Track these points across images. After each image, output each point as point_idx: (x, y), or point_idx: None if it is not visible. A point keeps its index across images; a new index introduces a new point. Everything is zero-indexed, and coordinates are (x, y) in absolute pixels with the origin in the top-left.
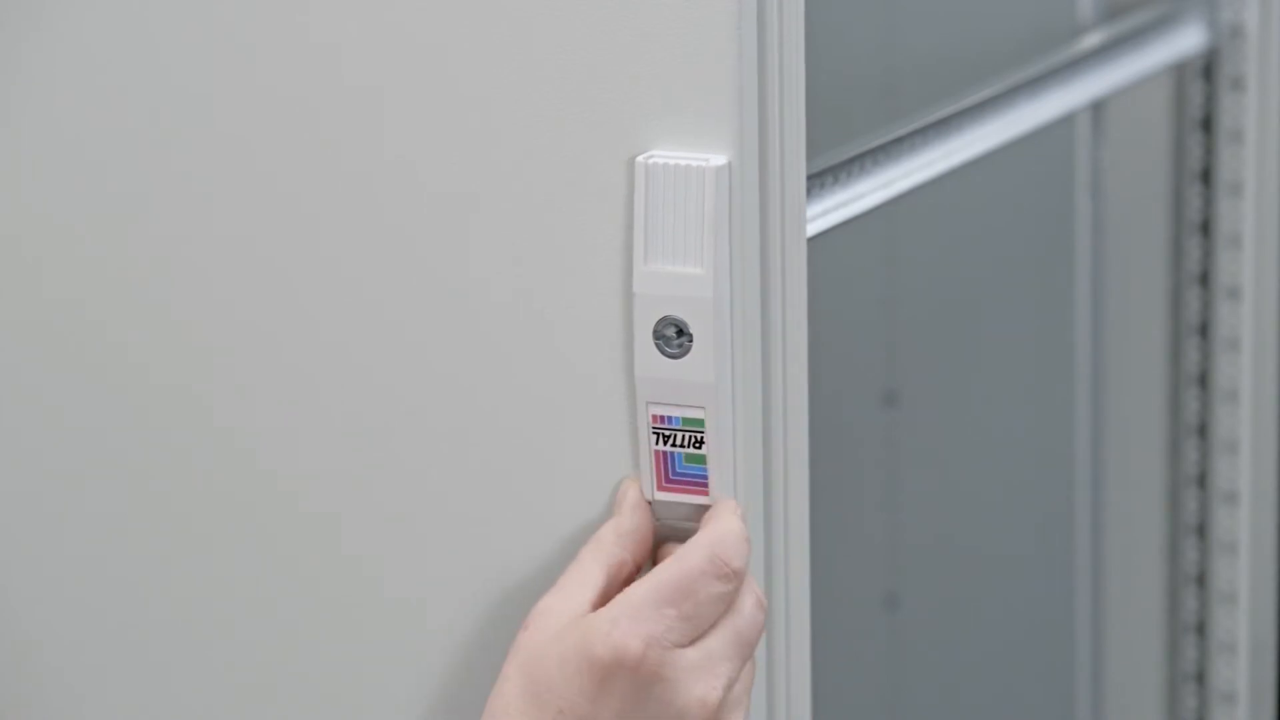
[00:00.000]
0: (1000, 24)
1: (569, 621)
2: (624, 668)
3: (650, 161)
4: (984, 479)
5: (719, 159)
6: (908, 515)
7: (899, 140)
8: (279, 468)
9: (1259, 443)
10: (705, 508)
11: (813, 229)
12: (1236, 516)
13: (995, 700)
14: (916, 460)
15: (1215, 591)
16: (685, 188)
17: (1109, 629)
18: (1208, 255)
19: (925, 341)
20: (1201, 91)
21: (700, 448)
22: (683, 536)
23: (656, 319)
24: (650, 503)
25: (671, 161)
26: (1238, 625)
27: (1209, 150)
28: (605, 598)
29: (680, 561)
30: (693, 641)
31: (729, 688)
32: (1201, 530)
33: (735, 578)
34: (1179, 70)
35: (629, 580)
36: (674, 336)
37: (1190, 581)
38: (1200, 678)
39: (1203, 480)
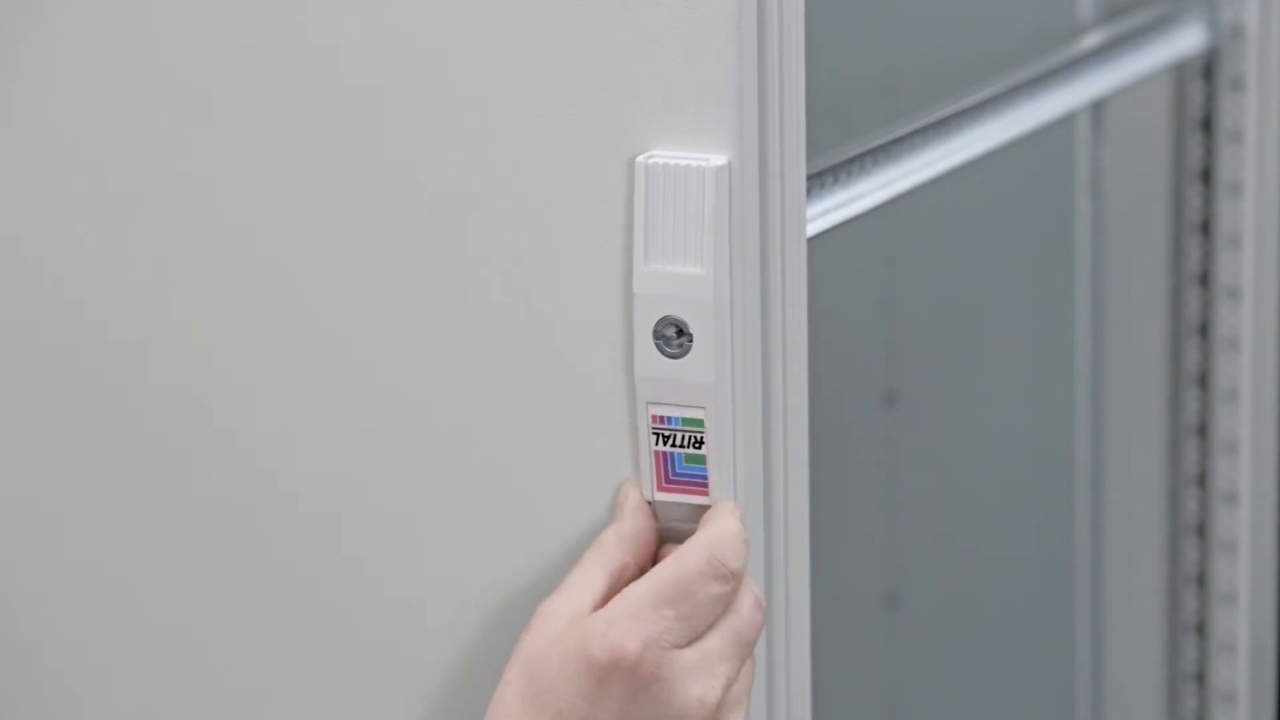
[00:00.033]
0: (1000, 24)
1: (568, 623)
2: (622, 668)
3: (650, 161)
4: (984, 479)
5: (719, 159)
6: (908, 515)
7: (899, 140)
8: (279, 468)
9: (1259, 443)
10: (705, 508)
11: (813, 229)
12: (1236, 516)
13: (995, 700)
14: (916, 460)
15: (1215, 591)
16: (685, 188)
17: (1109, 629)
18: (1208, 255)
19: (925, 341)
20: (1201, 91)
21: (700, 448)
22: (682, 538)
23: (656, 319)
24: (650, 503)
25: (671, 161)
26: (1238, 625)
27: (1209, 150)
28: (607, 601)
29: (678, 562)
30: (691, 642)
31: (728, 688)
32: (1201, 530)
33: (733, 578)
34: (1179, 70)
35: (631, 583)
36: (674, 336)
37: (1190, 581)
38: (1200, 678)
39: (1203, 480)
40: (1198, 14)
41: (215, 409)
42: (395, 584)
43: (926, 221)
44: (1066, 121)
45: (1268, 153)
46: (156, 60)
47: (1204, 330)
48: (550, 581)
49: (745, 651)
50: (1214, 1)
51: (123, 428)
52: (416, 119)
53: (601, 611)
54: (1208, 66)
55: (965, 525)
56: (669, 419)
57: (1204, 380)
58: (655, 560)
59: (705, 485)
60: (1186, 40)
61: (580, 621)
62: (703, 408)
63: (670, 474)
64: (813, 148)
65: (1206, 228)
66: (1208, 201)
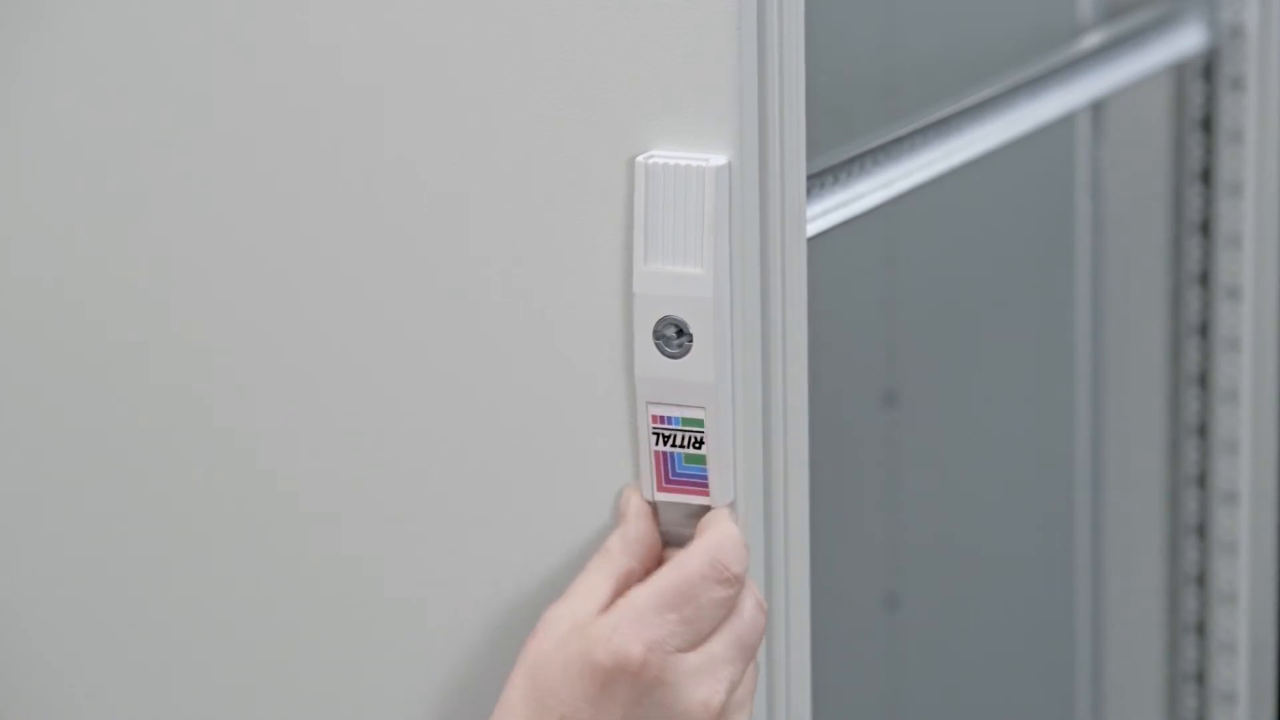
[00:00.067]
0: (1000, 24)
1: (572, 628)
2: (626, 673)
3: (650, 161)
4: (984, 479)
5: (719, 159)
6: (908, 515)
7: (899, 140)
8: (279, 468)
9: (1259, 443)
10: (705, 509)
11: (813, 229)
12: (1236, 516)
13: (995, 700)
14: (916, 460)
15: (1215, 591)
16: (685, 188)
17: (1109, 629)
18: (1208, 255)
19: (925, 341)
20: (1201, 91)
21: (700, 448)
22: (682, 541)
23: (656, 319)
24: (651, 504)
25: (671, 161)
26: (1238, 625)
27: (1209, 150)
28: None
29: (681, 567)
30: (694, 646)
31: (731, 691)
32: (1201, 530)
33: (736, 582)
34: (1179, 70)
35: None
36: (674, 336)
37: (1190, 581)
38: (1200, 678)
39: (1203, 480)
40: (1198, 14)
41: (215, 409)
42: (395, 584)
43: (926, 221)
44: (1066, 121)
45: (1268, 153)
46: (156, 60)
47: (1204, 330)
48: (550, 581)
49: (748, 654)
50: (1214, 1)
51: (123, 428)
52: (416, 119)
53: (605, 616)
54: (1208, 66)
55: (965, 525)
56: (669, 419)
57: (1204, 380)
58: (660, 565)
59: (705, 485)
60: (1186, 40)
61: (584, 626)
62: (703, 408)
63: (670, 474)
64: (813, 148)
65: (1206, 228)
66: (1208, 201)
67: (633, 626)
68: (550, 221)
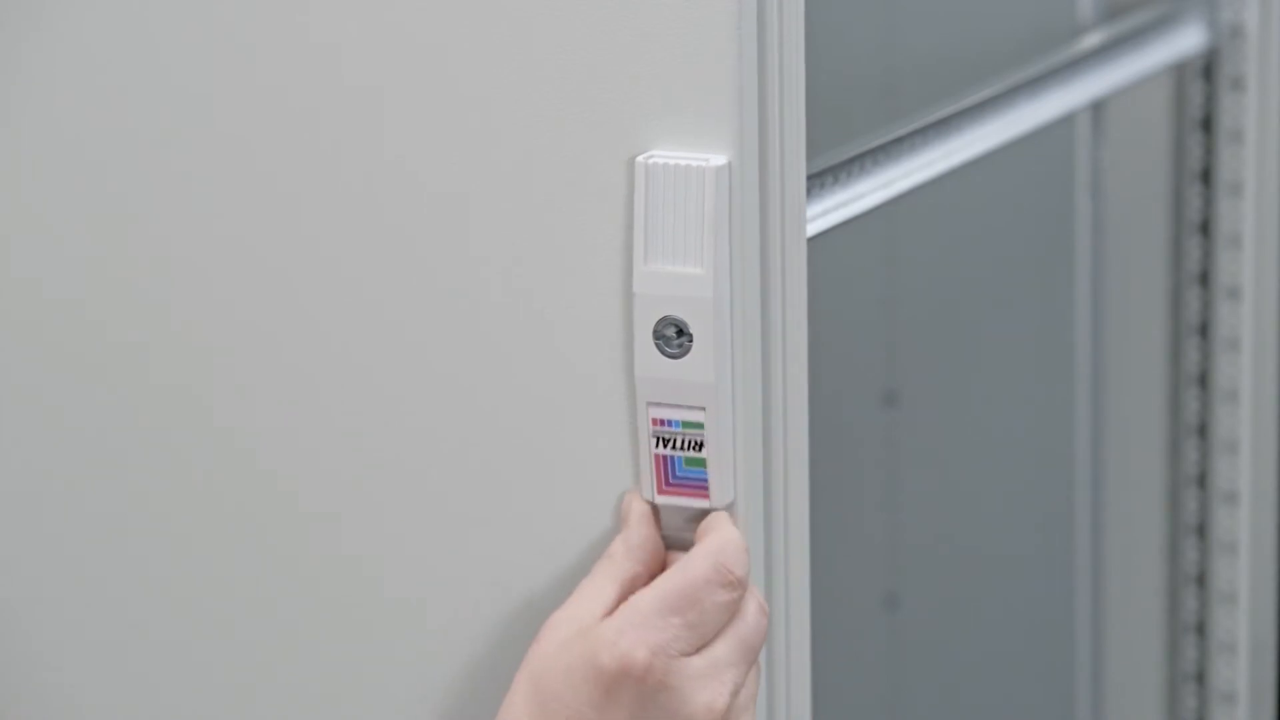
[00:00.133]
0: (1000, 24)
1: (575, 632)
2: (630, 677)
3: (650, 161)
4: (984, 479)
5: (719, 159)
6: (908, 515)
7: (899, 140)
8: (279, 468)
9: (1259, 443)
10: (705, 511)
11: (813, 229)
12: (1236, 516)
13: (995, 700)
14: (916, 460)
15: (1215, 591)
16: (685, 188)
17: (1109, 629)
18: (1208, 255)
19: (925, 341)
20: (1201, 91)
21: (700, 451)
22: (682, 544)
23: (656, 319)
24: (652, 507)
25: (671, 161)
26: (1238, 625)
27: (1209, 150)
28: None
29: (684, 571)
30: (698, 650)
31: (735, 694)
32: (1201, 530)
33: (739, 585)
34: (1179, 70)
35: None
36: (674, 336)
37: (1190, 581)
38: (1200, 678)
39: (1203, 480)
40: (1198, 14)
41: (215, 409)
42: (395, 584)
43: (926, 221)
44: (1066, 121)
45: (1268, 153)
46: (156, 60)
47: (1204, 330)
48: (550, 581)
49: (751, 657)
50: (1214, 1)
51: (122, 428)
52: (416, 119)
53: (609, 620)
54: (1208, 66)
55: (965, 525)
56: (669, 422)
57: (1204, 380)
58: (663, 568)
59: (705, 488)
60: (1186, 40)
61: (588, 631)
62: (703, 409)
63: (670, 477)
64: (813, 148)
65: (1206, 228)
66: (1208, 201)
67: (637, 631)
68: (550, 221)
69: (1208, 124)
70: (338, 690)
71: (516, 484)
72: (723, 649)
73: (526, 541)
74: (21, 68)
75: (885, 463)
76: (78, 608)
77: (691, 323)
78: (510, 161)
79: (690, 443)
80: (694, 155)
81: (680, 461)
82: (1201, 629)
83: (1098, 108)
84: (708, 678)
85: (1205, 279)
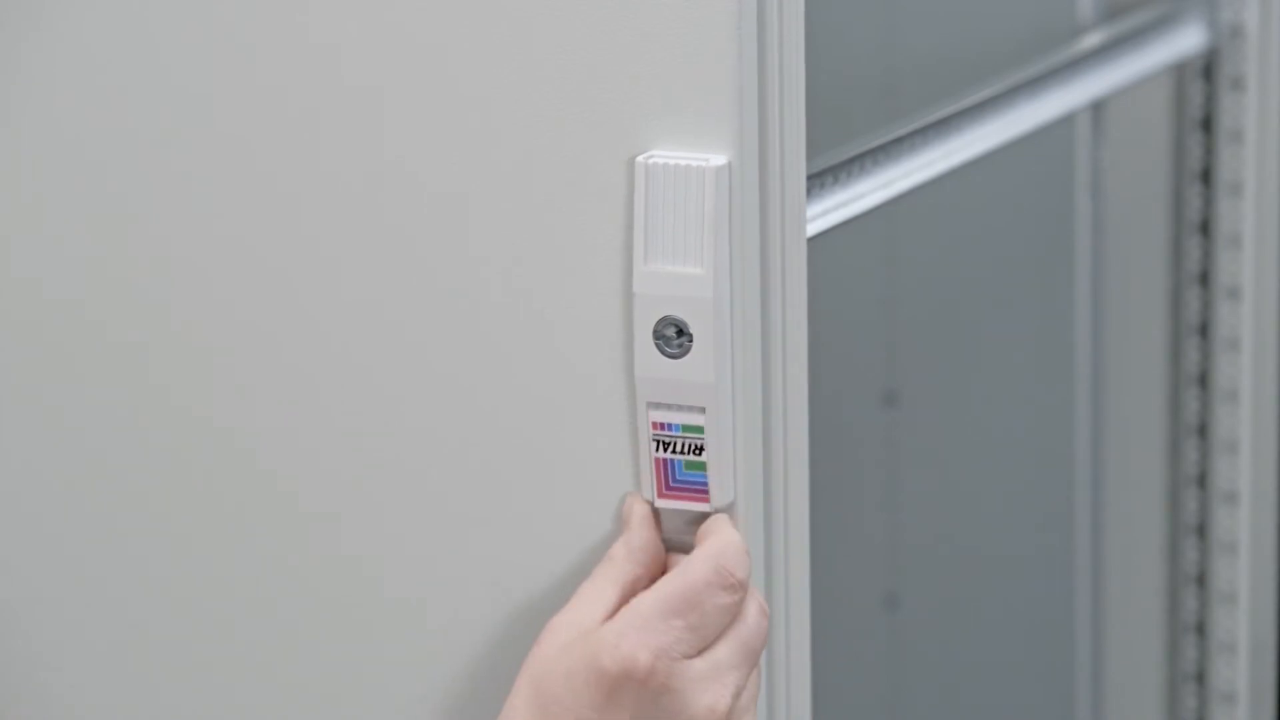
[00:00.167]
0: (1000, 24)
1: (576, 635)
2: (632, 680)
3: (650, 161)
4: (984, 479)
5: (719, 159)
6: (908, 515)
7: (899, 140)
8: (279, 468)
9: (1259, 443)
10: (705, 515)
11: (813, 229)
12: (1236, 516)
13: (995, 700)
14: (916, 460)
15: (1215, 591)
16: (685, 188)
17: (1109, 629)
18: (1208, 255)
19: (925, 341)
20: (1201, 91)
21: (700, 454)
22: (682, 547)
23: (656, 319)
24: (653, 510)
25: (671, 161)
26: (1238, 625)
27: (1209, 150)
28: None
29: (685, 574)
30: (699, 652)
31: (737, 696)
32: (1201, 530)
33: (740, 588)
34: (1179, 70)
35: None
36: (674, 336)
37: (1190, 581)
38: (1200, 678)
39: (1203, 480)
40: (1198, 14)
41: (215, 409)
42: (395, 584)
43: (926, 221)
44: (1066, 121)
45: (1268, 153)
46: (156, 60)
47: (1204, 330)
48: (550, 581)
49: (753, 659)
50: (1214, 1)
51: (122, 427)
52: (416, 119)
53: (610, 623)
54: (1208, 66)
55: (965, 525)
56: (669, 425)
57: (1204, 380)
58: (664, 571)
59: (705, 492)
60: (1186, 40)
61: (589, 634)
62: (703, 410)
63: (670, 481)
64: (813, 148)
65: (1206, 228)
66: (1208, 201)
67: (639, 634)
68: (550, 221)
69: (1208, 124)
70: (338, 691)
71: (516, 484)
72: (724, 651)
73: (526, 542)
74: (21, 68)
75: (885, 463)
76: (78, 608)
77: (691, 323)
78: (510, 161)
79: (690, 446)
80: (694, 155)
81: (680, 465)
82: (1201, 629)
83: (1098, 108)
84: (710, 680)
85: (1205, 279)
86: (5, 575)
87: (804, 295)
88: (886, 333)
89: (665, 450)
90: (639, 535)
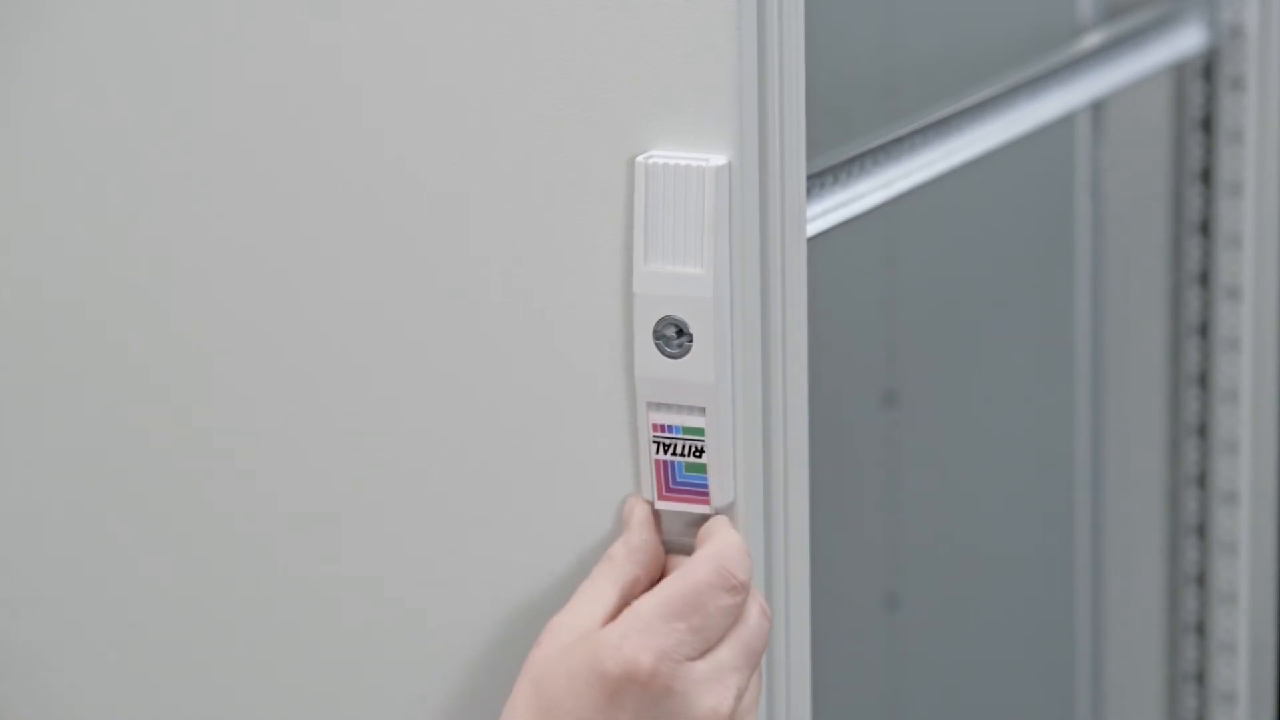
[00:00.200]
0: (1000, 24)
1: (578, 638)
2: (635, 682)
3: (650, 161)
4: (984, 479)
5: (719, 159)
6: (908, 515)
7: (899, 140)
8: (279, 468)
9: (1259, 443)
10: (705, 517)
11: (813, 229)
12: (1236, 516)
13: (995, 700)
14: (916, 460)
15: (1215, 591)
16: (685, 188)
17: (1109, 629)
18: (1208, 255)
19: (925, 341)
20: (1201, 91)
21: (700, 457)
22: (682, 549)
23: (656, 319)
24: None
25: (671, 161)
26: (1238, 625)
27: (1209, 150)
28: (618, 614)
29: (687, 576)
30: (702, 654)
31: (739, 698)
32: (1201, 530)
33: (742, 590)
34: (1179, 70)
35: (641, 596)
36: (674, 336)
37: (1190, 581)
38: (1200, 678)
39: (1203, 480)
40: (1198, 14)
41: (215, 409)
42: (395, 584)
43: (926, 221)
44: (1066, 121)
45: (1268, 153)
46: (156, 60)
47: (1204, 330)
48: (550, 582)
49: (754, 661)
50: (1214, 1)
51: (122, 427)
52: (416, 119)
53: (612, 625)
54: (1208, 66)
55: (965, 525)
56: (670, 427)
57: (1204, 380)
58: (663, 572)
59: (705, 494)
60: (1186, 40)
61: (590, 636)
62: (703, 411)
63: (671, 483)
64: (813, 148)
65: (1206, 228)
66: (1208, 201)
67: (641, 636)
68: (550, 221)
69: (1208, 124)
70: (338, 691)
71: (516, 484)
72: (726, 653)
73: (526, 542)
74: (21, 68)
75: (885, 463)
76: (78, 608)
77: (691, 323)
78: (510, 161)
79: (691, 449)
80: (694, 155)
81: (680, 467)
82: (1201, 629)
83: (1098, 108)
84: (712, 682)
85: (1205, 279)
86: (5, 575)
87: (804, 295)
88: (886, 333)
89: (665, 452)
90: (639, 536)
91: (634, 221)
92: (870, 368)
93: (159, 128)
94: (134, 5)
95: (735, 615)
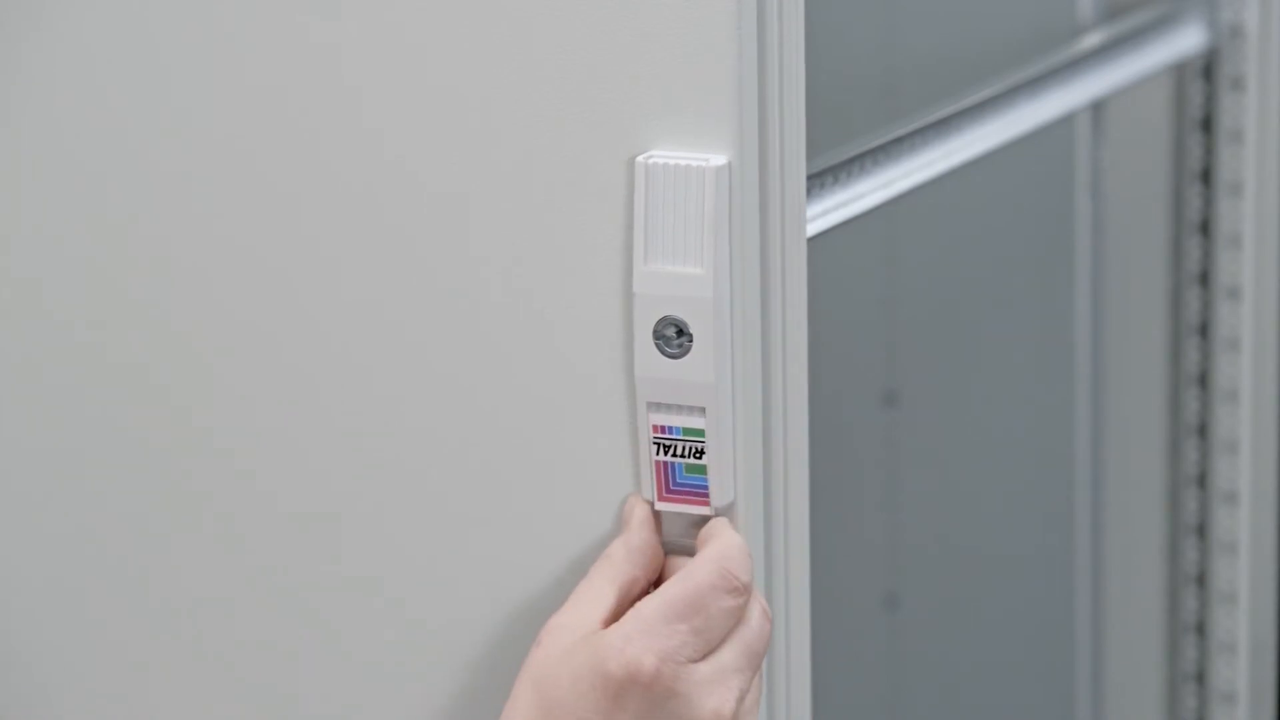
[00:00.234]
0: (1000, 24)
1: (579, 639)
2: (638, 684)
3: (650, 161)
4: (984, 479)
5: (719, 159)
6: (908, 515)
7: (899, 140)
8: (278, 467)
9: (1259, 443)
10: (705, 519)
11: (813, 229)
12: (1236, 516)
13: (995, 700)
14: (916, 460)
15: (1215, 591)
16: (685, 188)
17: (1109, 629)
18: (1208, 255)
19: (925, 341)
20: (1201, 91)
21: (700, 458)
22: (681, 550)
23: (656, 319)
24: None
25: (671, 161)
26: (1238, 625)
27: (1209, 150)
28: (617, 615)
29: (689, 577)
30: (704, 656)
31: (741, 699)
32: (1201, 530)
33: (744, 591)
34: (1179, 70)
35: (640, 596)
36: (674, 336)
37: (1190, 581)
38: (1200, 678)
39: (1203, 480)
40: (1198, 14)
41: (215, 408)
42: (394, 584)
43: (926, 221)
44: (1066, 121)
45: (1268, 153)
46: (156, 60)
47: (1204, 330)
48: (550, 582)
49: (756, 662)
50: (1214, 1)
51: (122, 427)
52: (416, 119)
53: (615, 627)
54: (1208, 66)
55: (965, 525)
56: (670, 429)
57: (1204, 380)
58: (661, 574)
59: (705, 495)
60: (1186, 40)
61: (592, 638)
62: (703, 411)
63: (671, 484)
64: (813, 148)
65: (1206, 228)
66: (1208, 201)
67: (644, 638)
68: (550, 221)
69: (1208, 124)
70: (337, 691)
71: (516, 484)
72: (729, 655)
73: (526, 541)
74: (21, 68)
75: (885, 463)
76: (76, 607)
77: (691, 323)
78: (510, 161)
79: (691, 450)
80: (694, 155)
81: (681, 468)
82: (1201, 629)
83: (1098, 108)
84: (714, 684)
85: (1205, 279)
86: (4, 575)
87: (804, 295)
88: (886, 333)
89: (665, 453)
90: (638, 536)
91: (634, 221)
92: (870, 368)
93: (159, 128)
94: (134, 5)
95: (737, 617)
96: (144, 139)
